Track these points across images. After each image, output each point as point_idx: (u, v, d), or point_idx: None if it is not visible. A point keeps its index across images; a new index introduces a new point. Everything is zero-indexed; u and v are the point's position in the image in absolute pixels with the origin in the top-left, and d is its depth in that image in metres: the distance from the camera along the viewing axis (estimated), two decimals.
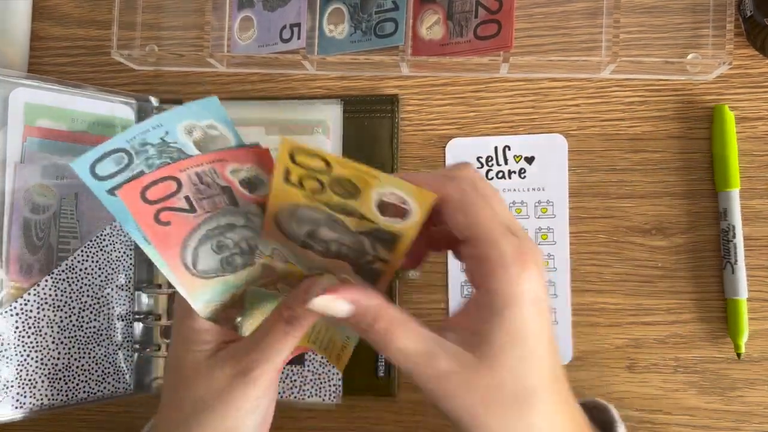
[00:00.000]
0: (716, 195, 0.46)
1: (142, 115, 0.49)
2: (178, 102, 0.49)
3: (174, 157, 0.35)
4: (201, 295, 0.35)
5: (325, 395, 0.47)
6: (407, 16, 0.47)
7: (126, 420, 0.51)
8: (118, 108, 0.48)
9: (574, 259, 0.47)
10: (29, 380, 0.43)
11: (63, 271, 0.45)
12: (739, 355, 0.45)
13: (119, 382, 0.48)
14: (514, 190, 0.48)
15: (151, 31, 0.52)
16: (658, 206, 0.47)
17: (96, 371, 0.46)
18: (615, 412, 0.38)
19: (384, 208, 0.29)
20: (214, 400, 0.34)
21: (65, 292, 0.45)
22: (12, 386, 0.43)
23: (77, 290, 0.46)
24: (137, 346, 0.49)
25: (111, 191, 0.33)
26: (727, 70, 0.46)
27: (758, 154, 0.46)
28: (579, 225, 0.47)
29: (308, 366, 0.48)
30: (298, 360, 0.48)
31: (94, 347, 0.46)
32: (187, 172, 0.35)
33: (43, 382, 0.44)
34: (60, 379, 0.45)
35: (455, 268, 0.48)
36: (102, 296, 0.47)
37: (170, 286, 0.49)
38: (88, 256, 0.46)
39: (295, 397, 0.47)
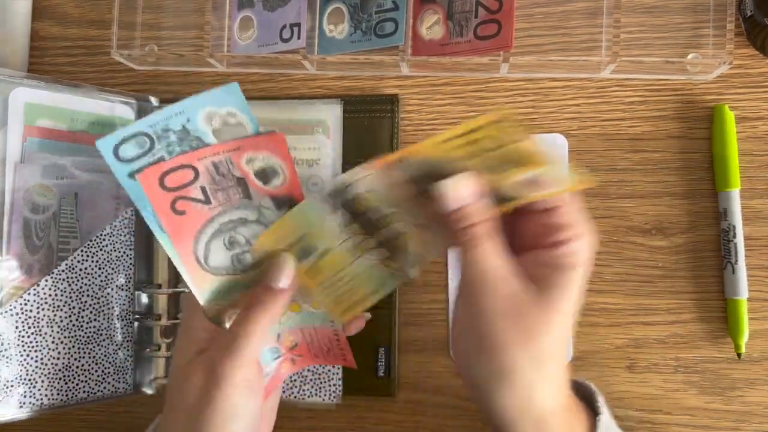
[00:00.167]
0: (716, 195, 0.46)
1: (142, 115, 0.49)
2: None
3: (193, 146, 0.35)
4: (209, 291, 0.36)
5: (324, 395, 0.47)
6: (407, 16, 0.47)
7: (126, 420, 0.51)
8: (118, 108, 0.48)
9: None
10: (29, 380, 0.43)
11: (63, 270, 0.45)
12: (739, 355, 0.45)
13: (119, 382, 0.48)
14: None
15: (150, 31, 0.52)
16: (658, 206, 0.47)
17: (96, 371, 0.46)
18: (591, 385, 0.37)
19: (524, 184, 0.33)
20: (198, 400, 0.34)
21: (65, 291, 0.45)
22: (12, 386, 0.43)
23: (77, 290, 0.46)
24: (137, 346, 0.49)
25: (131, 175, 0.34)
26: (727, 69, 0.46)
27: (758, 154, 0.46)
28: None
29: (308, 366, 0.48)
30: None
31: (94, 347, 0.46)
32: (204, 161, 0.35)
33: (43, 382, 0.44)
34: (60, 378, 0.45)
35: (455, 268, 0.48)
36: (102, 296, 0.47)
37: (170, 286, 0.49)
38: (87, 255, 0.46)
39: (295, 397, 0.47)
